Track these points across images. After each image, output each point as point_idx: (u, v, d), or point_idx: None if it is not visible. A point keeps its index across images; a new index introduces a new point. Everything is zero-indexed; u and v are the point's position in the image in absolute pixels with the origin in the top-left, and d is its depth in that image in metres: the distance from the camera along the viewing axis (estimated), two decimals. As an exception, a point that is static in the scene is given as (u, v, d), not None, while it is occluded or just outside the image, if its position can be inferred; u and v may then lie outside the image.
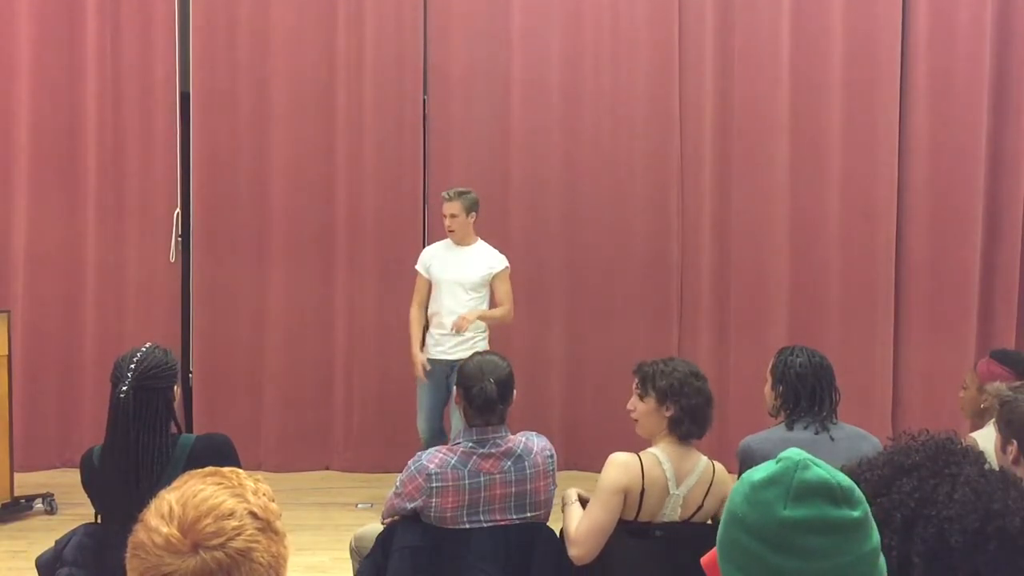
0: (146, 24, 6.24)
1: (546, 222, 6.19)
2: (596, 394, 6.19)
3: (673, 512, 2.86)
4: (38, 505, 5.29)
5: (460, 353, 4.68)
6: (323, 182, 6.28)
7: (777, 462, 1.31)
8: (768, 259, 6.26)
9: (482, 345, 5.07)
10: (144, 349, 2.79)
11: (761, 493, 1.29)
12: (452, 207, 5.12)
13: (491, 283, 5.20)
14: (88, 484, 2.85)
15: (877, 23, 6.22)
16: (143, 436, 2.69)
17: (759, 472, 1.31)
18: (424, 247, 6.25)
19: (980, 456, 1.69)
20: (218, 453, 2.76)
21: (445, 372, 5.02)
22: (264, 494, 1.36)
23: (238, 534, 1.28)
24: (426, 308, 5.28)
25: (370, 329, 6.27)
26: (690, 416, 2.89)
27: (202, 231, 6.24)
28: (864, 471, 1.70)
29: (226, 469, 1.40)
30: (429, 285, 5.23)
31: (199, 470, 1.40)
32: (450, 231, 5.18)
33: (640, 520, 2.84)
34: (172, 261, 6.28)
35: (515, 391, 3.01)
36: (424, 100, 6.32)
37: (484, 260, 5.20)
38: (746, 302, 6.27)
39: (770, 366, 3.30)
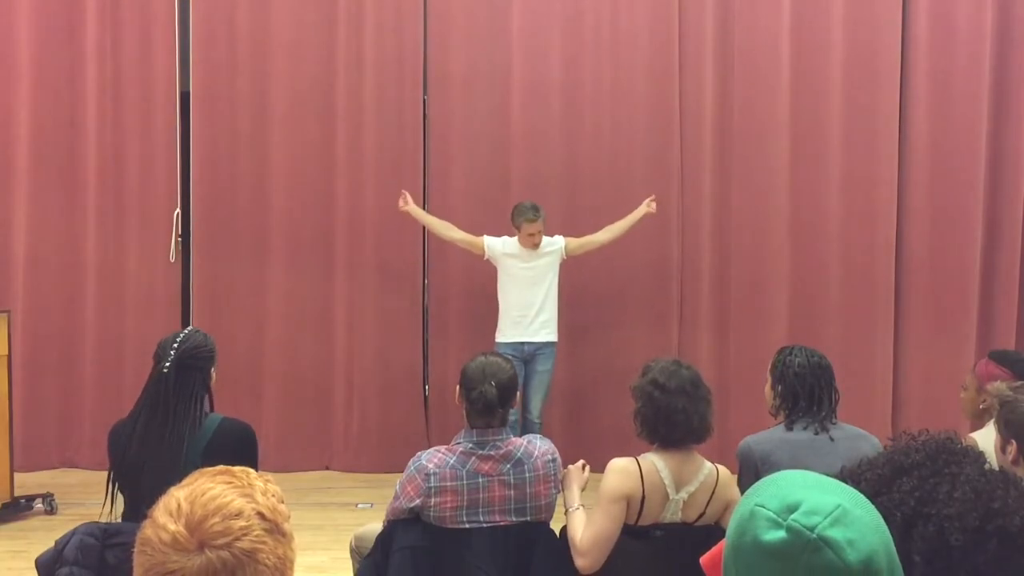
0: (146, 24, 6.24)
1: (546, 222, 6.20)
2: (596, 394, 6.19)
3: (674, 516, 2.84)
4: (38, 505, 5.29)
5: (539, 337, 5.59)
6: (323, 182, 6.28)
7: (787, 531, 1.20)
8: (768, 259, 6.26)
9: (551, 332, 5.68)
10: (186, 331, 3.09)
11: (766, 564, 1.20)
12: (540, 226, 5.60)
13: (570, 252, 5.74)
14: (117, 451, 3.00)
15: (877, 23, 6.22)
16: (180, 407, 2.93)
17: (766, 531, 1.21)
18: (424, 247, 6.29)
19: (981, 456, 1.69)
20: (240, 440, 2.99)
21: (520, 355, 5.50)
22: (273, 495, 1.35)
23: (245, 534, 1.27)
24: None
25: (370, 329, 6.28)
26: (643, 422, 2.88)
27: (202, 231, 6.25)
28: (865, 471, 1.69)
29: (236, 469, 1.39)
30: (479, 250, 5.72)
31: (210, 468, 1.39)
32: (535, 244, 5.62)
33: (640, 524, 2.83)
34: (172, 261, 6.28)
35: (518, 393, 3.00)
36: (424, 100, 6.33)
37: (549, 248, 5.71)
38: (746, 302, 6.27)
39: (770, 365, 3.30)
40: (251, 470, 1.40)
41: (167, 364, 2.94)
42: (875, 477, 1.66)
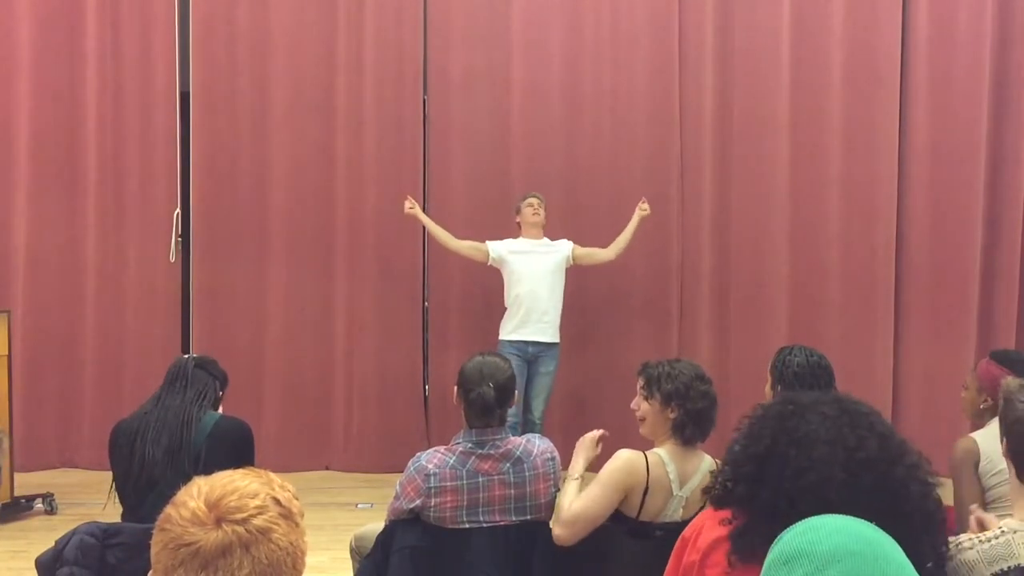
0: (146, 24, 6.24)
1: (546, 224, 6.21)
2: (597, 394, 6.19)
3: (675, 513, 2.85)
4: (38, 505, 5.29)
5: (544, 337, 5.58)
6: (323, 182, 6.28)
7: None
8: (768, 259, 6.27)
9: (555, 333, 5.67)
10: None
11: None
12: (539, 202, 5.76)
13: (576, 259, 5.76)
14: (119, 444, 3.10)
15: (877, 23, 6.22)
16: (189, 405, 3.10)
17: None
18: (424, 247, 6.28)
19: (814, 395, 1.84)
20: (238, 437, 3.10)
21: (524, 356, 5.54)
22: (289, 490, 1.43)
23: (260, 513, 1.34)
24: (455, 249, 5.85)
25: (370, 329, 6.27)
26: (694, 420, 2.88)
27: (202, 231, 6.24)
28: (740, 466, 1.81)
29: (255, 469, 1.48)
30: (483, 256, 5.72)
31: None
32: (536, 218, 5.71)
33: (641, 519, 2.84)
34: (172, 261, 6.28)
35: (516, 392, 3.00)
36: (424, 100, 6.33)
37: (555, 249, 5.76)
38: (746, 302, 6.27)
39: (770, 365, 3.30)
40: (269, 472, 1.48)
41: (185, 357, 3.15)
42: (749, 474, 1.78)
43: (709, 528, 1.90)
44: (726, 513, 1.85)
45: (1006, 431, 2.27)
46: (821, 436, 1.71)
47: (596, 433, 3.11)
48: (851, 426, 1.73)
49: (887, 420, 1.84)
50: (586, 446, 3.07)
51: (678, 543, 2.02)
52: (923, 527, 1.65)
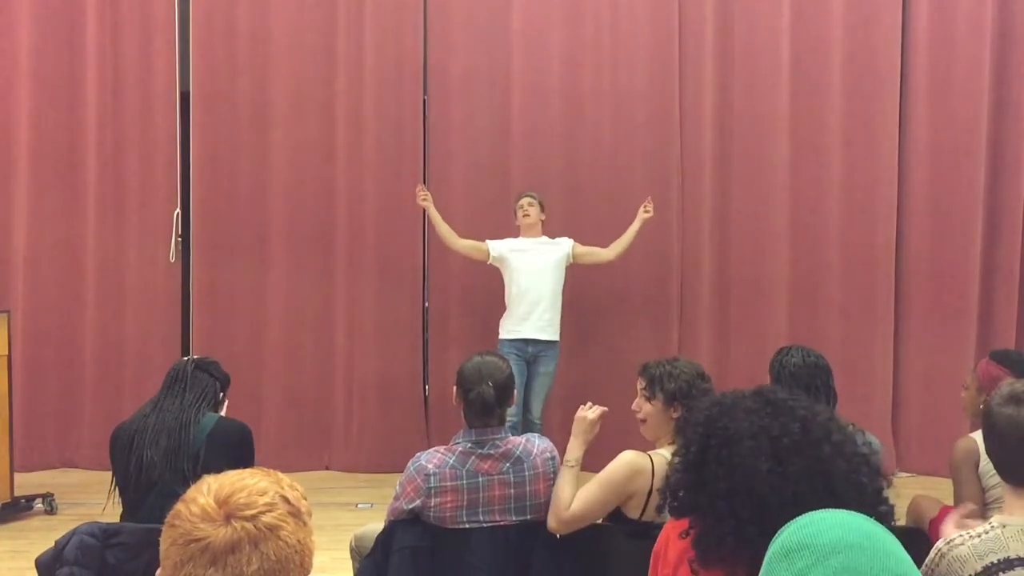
0: (146, 24, 6.24)
1: (546, 222, 6.20)
2: (597, 393, 6.14)
3: (677, 514, 2.85)
4: (38, 505, 5.29)
5: (544, 335, 5.56)
6: (323, 182, 6.28)
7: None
8: (768, 259, 6.27)
9: (555, 332, 5.65)
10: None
11: None
12: (532, 200, 5.75)
13: (576, 257, 5.75)
14: (118, 446, 3.13)
15: (877, 23, 6.23)
16: (187, 407, 3.12)
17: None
18: (424, 247, 6.29)
19: (737, 393, 1.87)
20: (239, 439, 3.13)
21: (524, 355, 5.56)
22: (297, 489, 1.45)
23: (269, 510, 1.36)
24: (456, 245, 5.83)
25: (370, 329, 6.28)
26: None
27: (202, 231, 6.24)
28: (681, 472, 1.86)
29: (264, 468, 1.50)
30: (484, 255, 5.71)
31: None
32: (527, 218, 5.70)
33: (643, 520, 2.84)
34: (172, 261, 6.28)
35: (515, 392, 3.00)
36: (424, 100, 6.33)
37: (556, 245, 5.77)
38: (746, 302, 6.27)
39: (769, 365, 3.31)
40: (277, 471, 1.49)
41: (186, 359, 3.18)
42: (690, 481, 1.82)
43: (674, 541, 1.93)
44: (684, 524, 1.88)
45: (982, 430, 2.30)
46: (746, 431, 1.74)
47: (596, 413, 3.02)
48: (773, 415, 1.76)
49: (811, 402, 1.85)
50: (584, 428, 2.99)
51: (652, 558, 2.04)
52: (855, 499, 1.67)
